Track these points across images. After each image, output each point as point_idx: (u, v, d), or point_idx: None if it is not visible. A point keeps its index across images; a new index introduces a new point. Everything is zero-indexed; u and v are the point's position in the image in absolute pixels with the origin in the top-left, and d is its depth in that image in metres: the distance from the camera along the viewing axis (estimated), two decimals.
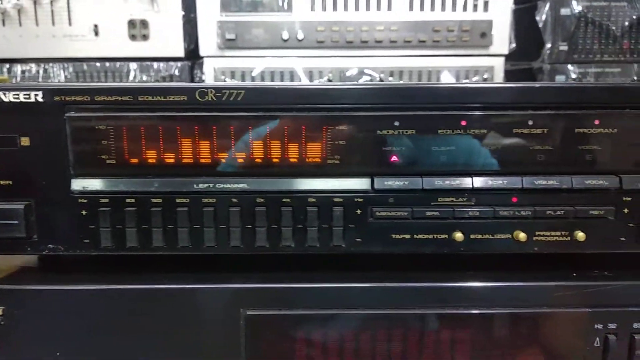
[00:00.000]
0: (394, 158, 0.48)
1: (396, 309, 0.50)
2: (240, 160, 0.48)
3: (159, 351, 0.50)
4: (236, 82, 0.46)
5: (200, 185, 0.48)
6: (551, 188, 0.48)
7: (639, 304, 0.50)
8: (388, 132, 0.47)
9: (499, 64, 1.39)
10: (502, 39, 1.39)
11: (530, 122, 0.47)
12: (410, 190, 0.48)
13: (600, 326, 0.50)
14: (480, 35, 1.41)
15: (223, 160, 0.48)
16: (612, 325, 0.50)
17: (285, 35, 1.37)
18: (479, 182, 0.48)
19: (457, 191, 0.48)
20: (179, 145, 0.48)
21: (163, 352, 0.50)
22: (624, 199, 0.48)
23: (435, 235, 0.49)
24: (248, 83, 0.47)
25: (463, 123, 0.47)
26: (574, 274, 0.51)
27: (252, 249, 0.49)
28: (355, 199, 0.48)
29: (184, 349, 0.50)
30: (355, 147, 0.48)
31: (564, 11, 1.42)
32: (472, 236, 0.49)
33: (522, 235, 0.49)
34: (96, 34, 1.41)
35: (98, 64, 1.40)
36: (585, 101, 0.47)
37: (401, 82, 1.36)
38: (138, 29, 1.45)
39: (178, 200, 0.48)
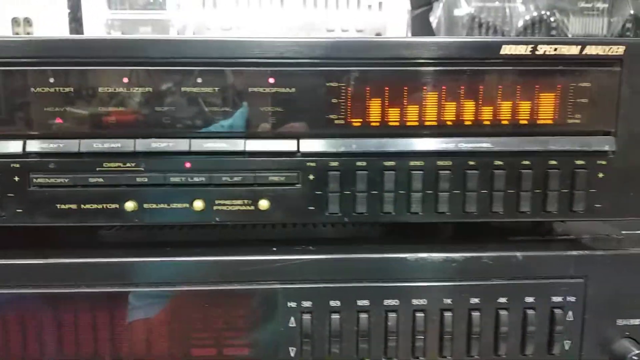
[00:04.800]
0: (58, 119, 0.44)
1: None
2: None
3: None
4: None
5: None
6: (224, 151, 0.44)
7: (333, 279, 0.46)
8: (44, 89, 0.43)
9: None
10: None
11: (200, 80, 0.43)
12: (69, 154, 0.44)
13: (293, 304, 0.46)
14: (375, 35, 1.39)
15: None
16: (306, 304, 0.46)
17: (173, 34, 1.34)
18: (142, 145, 0.44)
19: (121, 155, 0.44)
20: None
21: None
22: (308, 164, 0.45)
23: (105, 205, 0.45)
24: None
25: (125, 80, 0.43)
26: (274, 248, 0.47)
27: None
28: (12, 165, 0.44)
29: None
30: (8, 106, 0.44)
31: (457, 12, 1.40)
32: (145, 206, 0.45)
33: (198, 204, 0.44)
34: None
35: None
36: (255, 57, 0.43)
37: None
38: (22, 26, 1.41)
39: None
